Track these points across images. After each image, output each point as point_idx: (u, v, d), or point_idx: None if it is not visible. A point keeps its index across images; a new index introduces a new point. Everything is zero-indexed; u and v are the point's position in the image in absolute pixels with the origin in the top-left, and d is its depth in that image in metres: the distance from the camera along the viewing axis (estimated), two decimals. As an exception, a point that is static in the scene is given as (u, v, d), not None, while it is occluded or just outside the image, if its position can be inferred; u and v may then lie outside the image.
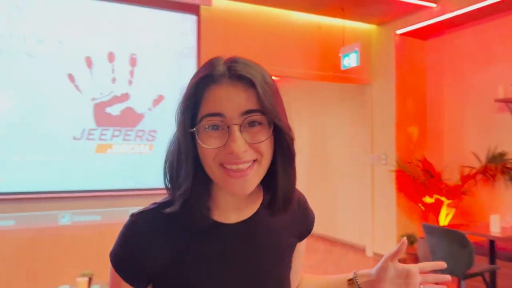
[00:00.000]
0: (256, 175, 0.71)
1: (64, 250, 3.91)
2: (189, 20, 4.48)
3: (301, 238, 0.91)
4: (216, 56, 0.74)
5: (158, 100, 4.28)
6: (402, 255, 4.82)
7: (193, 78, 0.72)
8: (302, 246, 0.93)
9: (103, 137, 4.08)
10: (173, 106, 0.74)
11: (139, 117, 4.22)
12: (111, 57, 4.12)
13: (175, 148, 0.72)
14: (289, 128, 0.74)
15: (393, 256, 0.84)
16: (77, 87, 3.99)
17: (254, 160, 0.70)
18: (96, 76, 4.06)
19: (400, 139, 5.29)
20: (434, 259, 3.46)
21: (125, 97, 4.18)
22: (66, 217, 3.98)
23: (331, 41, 5.18)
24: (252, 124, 0.69)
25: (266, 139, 0.70)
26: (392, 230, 5.25)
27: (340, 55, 4.97)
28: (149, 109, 4.24)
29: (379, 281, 0.85)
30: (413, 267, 0.83)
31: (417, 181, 4.96)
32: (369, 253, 5.63)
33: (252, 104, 0.68)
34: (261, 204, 0.81)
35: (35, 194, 3.84)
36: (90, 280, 2.77)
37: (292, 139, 0.74)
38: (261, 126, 0.70)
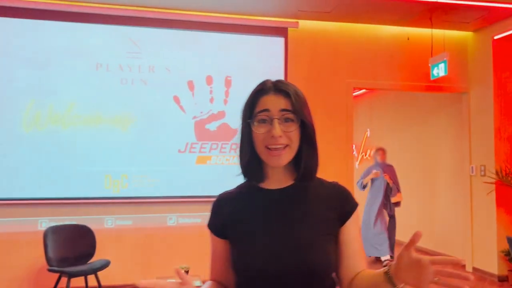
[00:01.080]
0: (287, 154, 1.06)
1: (170, 247, 4.56)
2: (278, 42, 4.90)
3: (342, 219, 1.10)
4: (266, 79, 1.13)
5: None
6: (503, 271, 4.53)
7: (251, 92, 1.12)
8: (350, 233, 1.11)
9: (203, 150, 4.67)
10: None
11: (233, 132, 4.73)
12: (209, 80, 4.72)
13: (240, 136, 1.12)
14: (312, 126, 1.09)
15: (407, 246, 0.90)
16: (181, 107, 4.65)
17: (287, 145, 1.05)
18: (196, 97, 4.68)
19: (500, 149, 5.02)
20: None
21: (221, 114, 4.73)
22: (173, 219, 4.64)
23: (421, 51, 5.16)
24: (287, 120, 1.06)
25: (294, 130, 1.06)
26: (493, 245, 4.99)
27: (429, 65, 4.93)
28: (242, 124, 4.73)
29: (398, 269, 0.93)
30: (425, 258, 0.88)
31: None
32: (468, 268, 5.39)
33: (287, 106, 1.06)
34: (297, 178, 1.12)
35: (149, 198, 4.56)
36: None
37: (314, 133, 1.10)
38: (293, 123, 1.06)
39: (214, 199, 1.19)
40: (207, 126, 4.69)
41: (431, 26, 4.95)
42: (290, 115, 1.05)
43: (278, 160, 1.05)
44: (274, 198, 1.10)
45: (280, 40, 4.91)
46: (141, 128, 4.57)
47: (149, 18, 4.61)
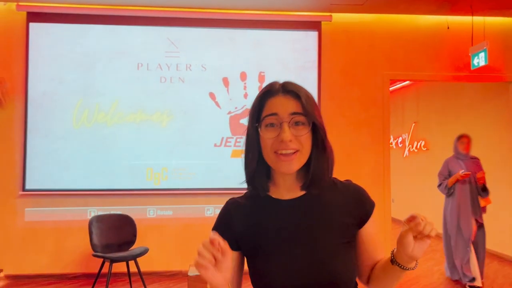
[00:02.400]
0: (298, 160, 0.99)
1: (207, 236, 4.77)
2: (311, 36, 4.93)
3: (359, 223, 1.05)
4: (274, 81, 1.08)
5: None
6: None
7: (258, 94, 1.06)
8: (368, 234, 1.07)
9: (237, 144, 4.83)
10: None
11: (268, 126, 4.84)
12: (243, 76, 4.86)
13: (246, 140, 1.06)
14: (323, 128, 1.02)
15: (407, 232, 0.93)
16: (217, 103, 4.84)
17: (297, 150, 0.99)
18: (231, 93, 4.84)
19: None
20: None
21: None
22: (210, 210, 4.85)
23: (461, 40, 4.98)
24: (297, 124, 0.99)
25: (306, 133, 0.99)
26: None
27: (469, 54, 4.75)
28: (276, 118, 4.83)
29: (401, 253, 0.96)
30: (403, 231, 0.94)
31: None
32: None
33: (297, 109, 0.99)
34: (304, 183, 1.05)
35: (187, 190, 4.80)
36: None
37: (325, 136, 1.03)
38: (303, 126, 0.99)
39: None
40: (241, 121, 4.84)
41: (472, 13, 4.76)
42: (301, 118, 0.99)
43: (288, 166, 0.99)
44: (287, 209, 1.04)
45: (314, 34, 4.94)
46: (179, 124, 4.81)
47: (185, 18, 4.83)
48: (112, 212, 4.61)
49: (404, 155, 8.37)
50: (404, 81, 7.34)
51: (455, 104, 6.79)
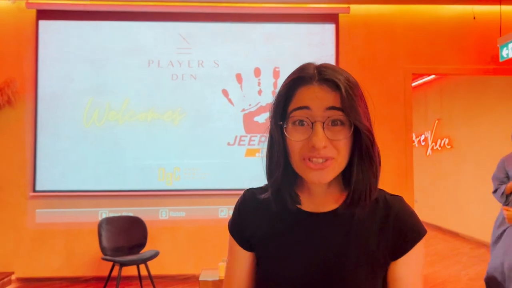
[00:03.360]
0: (332, 170, 0.79)
1: (220, 239, 4.61)
2: (328, 29, 4.71)
3: (394, 254, 0.83)
4: (307, 62, 0.83)
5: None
6: None
7: (286, 80, 0.83)
8: (400, 275, 0.83)
9: (252, 142, 4.65)
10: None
11: (283, 124, 4.65)
12: (257, 72, 4.67)
13: (269, 141, 0.85)
14: (370, 131, 0.79)
15: None
16: (230, 100, 4.66)
17: (332, 158, 0.78)
18: (245, 89, 4.66)
19: None
20: None
21: (270, 106, 4.65)
22: (224, 211, 4.69)
23: (488, 31, 4.68)
24: (334, 123, 0.77)
25: (345, 138, 0.77)
26: None
27: (498, 46, 4.46)
28: (291, 116, 4.64)
29: None
30: None
31: None
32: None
33: (336, 103, 0.77)
34: (343, 203, 0.84)
35: (200, 191, 4.64)
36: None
37: (372, 142, 0.79)
38: (343, 127, 0.77)
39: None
40: (255, 119, 4.66)
41: (500, 2, 4.47)
42: (341, 116, 0.77)
43: (319, 176, 0.79)
44: (312, 224, 0.85)
45: (331, 27, 4.72)
46: (191, 122, 4.65)
47: (197, 13, 4.67)
48: (123, 213, 4.49)
49: (427, 154, 8.05)
50: (426, 75, 7.03)
51: (481, 99, 6.45)
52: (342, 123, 0.77)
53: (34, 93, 4.57)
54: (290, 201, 0.84)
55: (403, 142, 4.78)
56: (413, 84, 8.02)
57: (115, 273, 3.92)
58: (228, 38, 4.70)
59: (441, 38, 4.80)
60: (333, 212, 0.85)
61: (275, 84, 4.67)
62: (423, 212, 8.18)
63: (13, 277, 4.51)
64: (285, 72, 3.99)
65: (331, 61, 4.67)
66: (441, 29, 4.79)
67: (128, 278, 4.42)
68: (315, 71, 0.79)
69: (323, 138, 0.76)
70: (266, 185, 0.90)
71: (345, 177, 0.83)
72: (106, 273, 4.20)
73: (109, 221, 4.02)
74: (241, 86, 4.67)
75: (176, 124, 4.65)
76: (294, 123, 0.79)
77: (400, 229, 0.83)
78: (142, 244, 4.08)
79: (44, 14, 4.60)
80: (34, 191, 4.52)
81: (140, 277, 4.06)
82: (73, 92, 4.60)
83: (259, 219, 0.90)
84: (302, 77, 0.79)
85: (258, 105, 4.67)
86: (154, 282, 3.96)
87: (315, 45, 4.71)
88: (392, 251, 0.83)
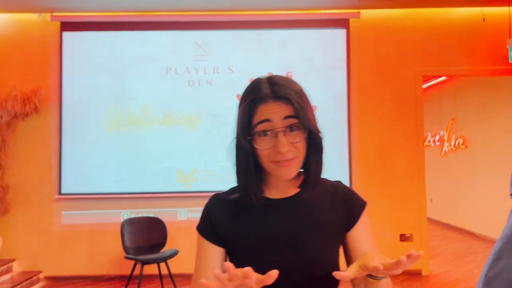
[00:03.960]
0: (296, 166, 0.97)
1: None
2: (339, 34, 4.84)
3: (348, 225, 1.04)
4: (258, 78, 1.01)
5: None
6: None
7: (244, 100, 0.99)
8: (358, 236, 1.03)
9: (266, 145, 4.80)
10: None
11: (296, 127, 4.79)
12: (270, 77, 4.82)
13: (237, 150, 1.02)
14: (318, 130, 0.98)
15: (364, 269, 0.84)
16: (244, 105, 4.82)
17: (295, 156, 0.96)
18: (259, 94, 4.81)
19: None
20: None
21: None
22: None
23: (498, 32, 4.75)
24: (291, 128, 0.95)
25: (302, 139, 0.96)
26: None
27: (507, 47, 4.52)
28: (304, 119, 4.78)
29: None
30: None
31: None
32: None
33: (291, 112, 0.94)
34: (302, 187, 1.03)
35: (217, 192, 4.80)
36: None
37: (320, 138, 0.99)
38: (298, 131, 0.95)
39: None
40: (269, 122, 4.80)
41: (509, 4, 4.53)
42: (295, 122, 0.94)
43: (287, 172, 0.97)
44: (279, 209, 1.03)
45: (342, 32, 4.85)
46: (207, 127, 4.83)
47: (212, 21, 4.86)
48: (144, 214, 4.69)
49: (442, 153, 8.08)
50: (440, 76, 7.08)
51: (495, 99, 6.48)
52: (298, 128, 0.95)
53: (59, 101, 4.82)
54: (255, 199, 1.00)
55: (415, 143, 4.86)
56: (426, 85, 8.06)
57: (136, 271, 4.13)
58: (242, 44, 4.87)
59: (451, 40, 4.88)
60: (295, 196, 1.04)
61: (288, 89, 4.80)
62: (439, 211, 8.20)
63: (41, 275, 4.76)
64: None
65: (342, 65, 4.79)
66: (451, 31, 4.87)
67: (149, 276, 4.62)
68: (269, 90, 0.95)
69: (286, 144, 0.93)
70: (232, 188, 1.09)
71: (303, 169, 1.01)
72: (128, 272, 4.40)
73: (131, 221, 4.22)
74: (255, 91, 4.82)
75: (193, 129, 4.84)
76: (259, 134, 0.96)
77: (348, 204, 1.05)
78: (162, 244, 4.26)
79: (68, 26, 4.85)
80: (60, 194, 4.76)
81: (160, 275, 4.25)
82: (95, 99, 4.83)
83: (231, 214, 1.04)
84: (259, 97, 0.95)
85: (272, 109, 4.81)
86: (174, 280, 4.14)
87: (326, 49, 4.84)
88: (346, 222, 1.04)
